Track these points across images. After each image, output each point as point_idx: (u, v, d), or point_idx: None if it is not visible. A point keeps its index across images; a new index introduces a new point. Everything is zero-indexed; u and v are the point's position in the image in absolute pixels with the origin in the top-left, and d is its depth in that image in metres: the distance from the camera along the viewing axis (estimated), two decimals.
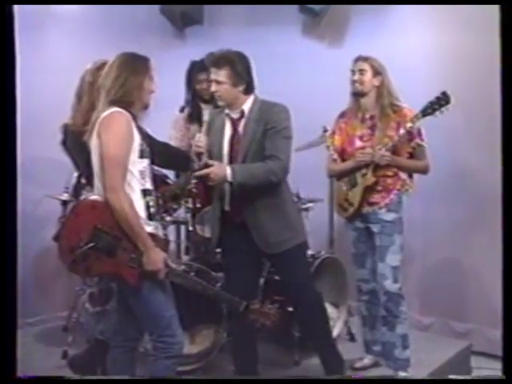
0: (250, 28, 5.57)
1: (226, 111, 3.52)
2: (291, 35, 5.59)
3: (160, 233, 3.21)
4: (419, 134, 3.82)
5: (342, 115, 4.05)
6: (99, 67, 3.38)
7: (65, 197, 4.35)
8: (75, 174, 4.20)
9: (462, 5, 4.35)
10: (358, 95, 3.90)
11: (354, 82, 3.87)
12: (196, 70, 4.64)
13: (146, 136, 3.02)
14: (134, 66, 2.94)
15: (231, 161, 3.45)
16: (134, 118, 2.93)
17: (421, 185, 4.02)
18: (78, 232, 2.81)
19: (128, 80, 2.90)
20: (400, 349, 3.87)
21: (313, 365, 4.06)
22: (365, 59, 3.86)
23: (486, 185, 4.44)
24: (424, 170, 3.92)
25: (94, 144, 2.89)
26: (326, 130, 3.87)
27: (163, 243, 3.01)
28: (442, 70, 4.72)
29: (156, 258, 2.85)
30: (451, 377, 3.38)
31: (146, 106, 3.01)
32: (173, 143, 4.55)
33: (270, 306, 3.00)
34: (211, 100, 4.66)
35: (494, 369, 3.43)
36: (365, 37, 5.18)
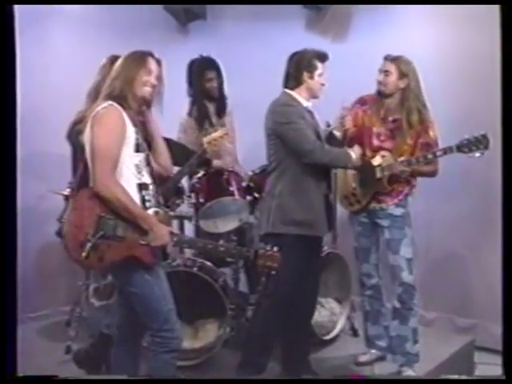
0: (253, 23, 5.56)
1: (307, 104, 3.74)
2: (294, 30, 5.57)
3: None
4: (436, 144, 3.83)
5: (360, 101, 4.03)
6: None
7: (68, 192, 4.33)
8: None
9: (462, 4, 4.36)
10: (381, 95, 3.89)
11: (378, 82, 3.86)
12: (203, 68, 4.63)
13: (143, 130, 2.99)
14: (129, 60, 2.93)
15: None
16: (132, 111, 2.90)
17: (423, 181, 4.01)
18: (82, 226, 2.78)
19: (120, 74, 2.90)
20: (411, 343, 3.86)
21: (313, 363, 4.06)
22: (393, 60, 3.81)
23: (487, 181, 4.43)
24: (433, 174, 3.92)
25: (86, 137, 2.88)
26: (329, 125, 3.86)
27: (166, 218, 3.01)
28: (444, 65, 4.71)
29: (161, 233, 2.86)
30: (452, 377, 3.37)
31: (145, 100, 2.98)
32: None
33: (274, 250, 3.02)
34: (217, 98, 4.68)
35: (497, 364, 3.41)
36: (368, 32, 5.17)
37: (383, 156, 3.82)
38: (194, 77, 4.71)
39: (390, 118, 3.88)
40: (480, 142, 3.56)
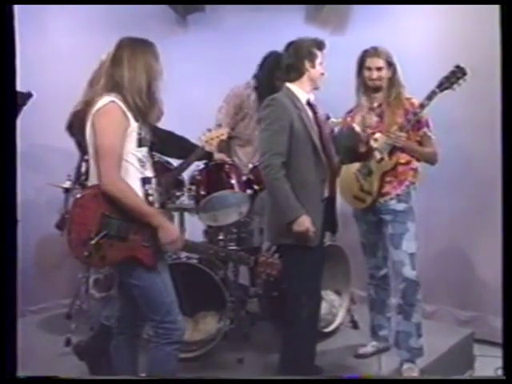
0: (252, 14, 5.55)
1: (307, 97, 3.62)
2: (294, 21, 5.56)
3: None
4: (427, 124, 3.83)
5: (350, 111, 4.05)
6: None
7: (67, 184, 4.35)
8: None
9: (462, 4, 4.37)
10: (376, 90, 3.88)
11: (372, 79, 3.83)
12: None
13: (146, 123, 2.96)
14: (148, 58, 2.91)
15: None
16: (135, 106, 2.86)
17: (423, 172, 4.00)
18: (86, 224, 2.78)
19: (142, 72, 2.87)
20: (415, 338, 3.85)
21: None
22: (378, 54, 3.81)
23: (487, 173, 4.43)
24: (433, 157, 3.89)
25: (88, 134, 2.86)
26: (328, 118, 3.85)
27: (168, 217, 3.05)
28: (444, 56, 4.68)
29: (172, 230, 2.89)
30: (452, 377, 3.39)
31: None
32: None
33: (275, 257, 3.01)
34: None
35: (497, 356, 3.42)
36: (367, 23, 5.18)
37: (375, 139, 3.80)
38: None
39: (376, 104, 3.90)
40: (457, 73, 3.58)
